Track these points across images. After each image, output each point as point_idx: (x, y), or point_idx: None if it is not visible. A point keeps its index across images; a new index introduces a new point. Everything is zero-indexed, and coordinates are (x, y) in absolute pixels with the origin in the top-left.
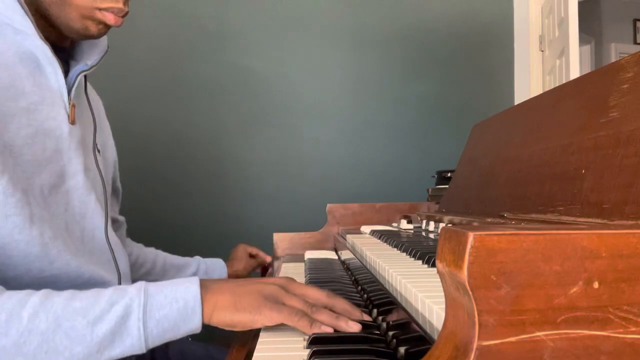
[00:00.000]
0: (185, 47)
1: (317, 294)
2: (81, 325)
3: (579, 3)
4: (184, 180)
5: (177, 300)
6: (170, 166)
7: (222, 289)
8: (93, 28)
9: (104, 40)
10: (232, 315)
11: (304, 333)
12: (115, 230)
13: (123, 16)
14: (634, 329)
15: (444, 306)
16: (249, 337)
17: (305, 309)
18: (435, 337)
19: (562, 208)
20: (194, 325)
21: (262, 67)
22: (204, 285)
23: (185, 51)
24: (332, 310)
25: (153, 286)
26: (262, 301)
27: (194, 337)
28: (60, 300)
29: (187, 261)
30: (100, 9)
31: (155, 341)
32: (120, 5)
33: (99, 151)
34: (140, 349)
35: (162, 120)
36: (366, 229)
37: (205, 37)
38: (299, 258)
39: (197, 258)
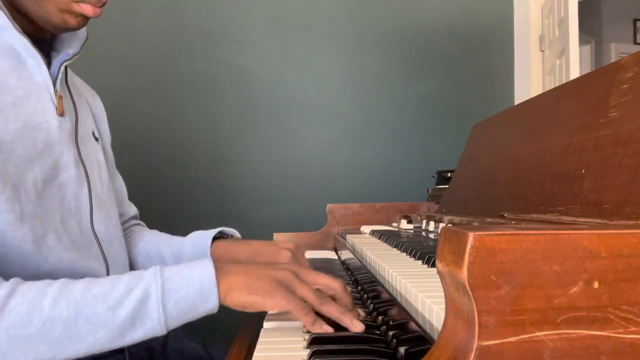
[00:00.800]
0: (185, 47)
1: (329, 282)
2: (102, 310)
3: (579, 3)
4: (183, 180)
5: (194, 282)
6: (170, 166)
7: (236, 271)
8: (72, 21)
9: (83, 29)
10: (245, 297)
11: (304, 333)
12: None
13: (101, 6)
14: (634, 329)
15: (444, 306)
16: (249, 337)
17: (314, 300)
18: (435, 337)
19: (562, 208)
20: (211, 305)
21: (262, 67)
22: (219, 267)
23: (184, 51)
24: (340, 303)
25: (168, 270)
26: (275, 286)
27: (193, 335)
28: (78, 287)
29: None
30: (77, 1)
31: (175, 322)
32: None
33: (97, 139)
34: (161, 330)
35: (162, 120)
36: (366, 229)
37: (205, 37)
38: None
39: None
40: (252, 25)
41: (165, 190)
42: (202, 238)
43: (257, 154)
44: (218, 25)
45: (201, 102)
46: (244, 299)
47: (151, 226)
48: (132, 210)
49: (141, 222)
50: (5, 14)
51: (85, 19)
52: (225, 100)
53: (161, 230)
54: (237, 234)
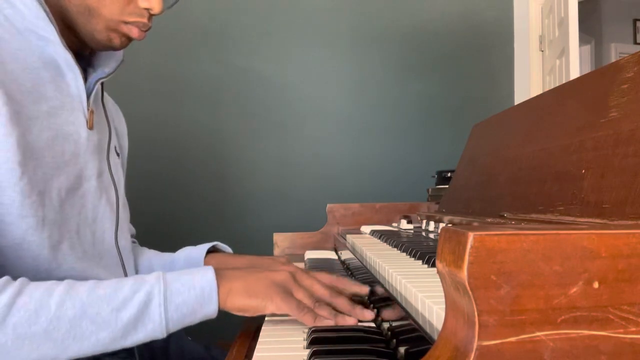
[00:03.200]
0: (186, 47)
1: (322, 290)
2: (106, 311)
3: (579, 3)
4: (184, 180)
5: (195, 287)
6: (170, 166)
7: (236, 276)
8: (117, 40)
9: (120, 51)
10: (244, 300)
11: (304, 333)
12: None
13: (146, 31)
14: (634, 329)
15: (444, 306)
16: (249, 337)
17: (310, 304)
18: (435, 337)
19: (562, 208)
20: (210, 310)
21: (262, 67)
22: (219, 272)
23: (185, 52)
24: (334, 307)
25: (170, 275)
26: (273, 289)
27: (194, 337)
28: (84, 289)
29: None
30: (126, 23)
31: (176, 325)
32: (145, 20)
33: (118, 154)
34: (161, 333)
35: (162, 120)
36: (366, 229)
37: (206, 37)
38: (299, 258)
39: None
40: (253, 26)
41: (166, 190)
42: (195, 251)
43: (257, 153)
44: (220, 26)
45: (202, 102)
46: (243, 303)
47: (152, 225)
48: (132, 229)
49: (136, 240)
50: (55, 28)
51: (128, 41)
52: (225, 100)
53: (162, 229)
54: (229, 249)
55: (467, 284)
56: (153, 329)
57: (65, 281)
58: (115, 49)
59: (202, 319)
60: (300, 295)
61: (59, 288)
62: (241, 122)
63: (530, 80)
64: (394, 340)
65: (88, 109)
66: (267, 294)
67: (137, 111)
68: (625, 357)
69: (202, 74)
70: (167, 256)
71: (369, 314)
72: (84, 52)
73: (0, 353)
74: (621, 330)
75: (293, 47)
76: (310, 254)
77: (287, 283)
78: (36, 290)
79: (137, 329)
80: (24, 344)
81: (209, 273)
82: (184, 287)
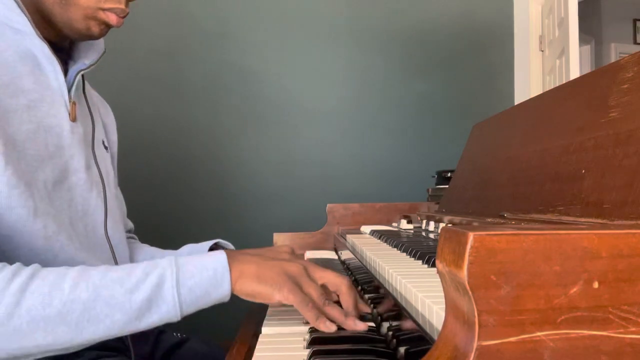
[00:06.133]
0: (187, 47)
1: (335, 279)
2: (119, 293)
3: (579, 3)
4: (184, 180)
5: (207, 269)
6: (170, 166)
7: (248, 260)
8: (95, 28)
9: (101, 41)
10: (255, 285)
11: (305, 333)
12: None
13: (124, 17)
14: (634, 329)
15: (444, 306)
16: (249, 337)
17: (318, 300)
18: (435, 337)
19: (562, 208)
20: (223, 292)
21: (262, 67)
22: (231, 255)
23: (186, 51)
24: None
25: (182, 258)
26: (284, 279)
27: (195, 335)
28: (97, 272)
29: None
30: (103, 9)
31: (190, 308)
32: (122, 6)
33: (106, 148)
34: (175, 315)
35: (162, 120)
36: (366, 229)
37: (207, 37)
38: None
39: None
40: (254, 26)
41: (167, 189)
42: (198, 248)
43: (258, 153)
44: (221, 26)
45: (202, 103)
46: (253, 287)
47: (152, 225)
48: (129, 224)
49: (135, 237)
50: (28, 19)
51: (107, 28)
52: (226, 101)
53: (162, 229)
54: (231, 246)
55: (467, 284)
56: (167, 310)
57: (78, 266)
58: (94, 37)
59: (215, 302)
60: (309, 288)
61: (71, 272)
62: (241, 122)
63: (530, 80)
64: (394, 340)
65: (70, 102)
66: (277, 281)
67: (137, 111)
68: (626, 357)
69: (202, 74)
70: (168, 253)
71: (362, 326)
72: (63, 43)
73: (16, 336)
74: (621, 330)
75: (294, 48)
76: (310, 254)
77: (298, 275)
78: (49, 274)
79: (151, 311)
80: (38, 327)
81: (221, 256)
82: (196, 269)
